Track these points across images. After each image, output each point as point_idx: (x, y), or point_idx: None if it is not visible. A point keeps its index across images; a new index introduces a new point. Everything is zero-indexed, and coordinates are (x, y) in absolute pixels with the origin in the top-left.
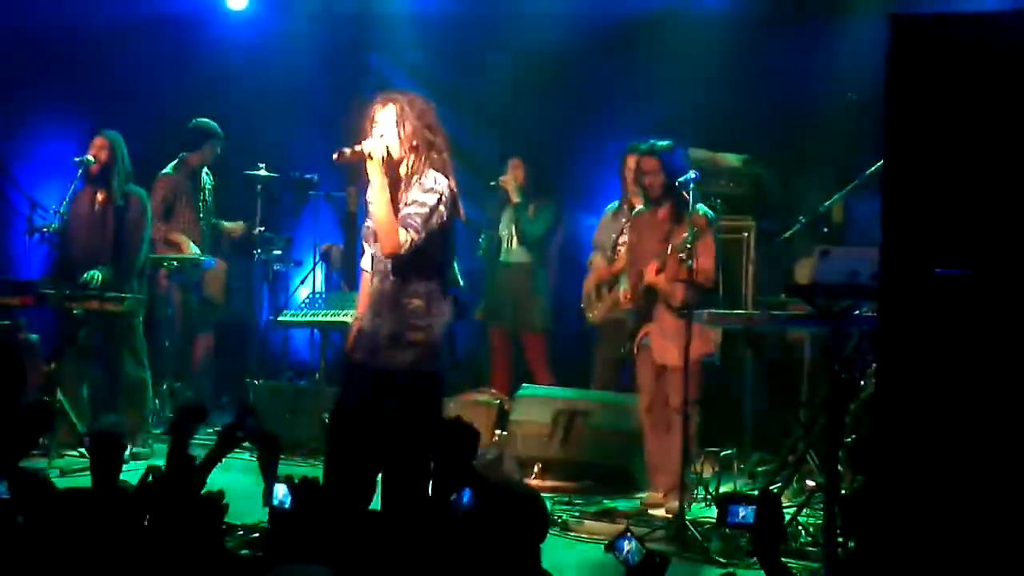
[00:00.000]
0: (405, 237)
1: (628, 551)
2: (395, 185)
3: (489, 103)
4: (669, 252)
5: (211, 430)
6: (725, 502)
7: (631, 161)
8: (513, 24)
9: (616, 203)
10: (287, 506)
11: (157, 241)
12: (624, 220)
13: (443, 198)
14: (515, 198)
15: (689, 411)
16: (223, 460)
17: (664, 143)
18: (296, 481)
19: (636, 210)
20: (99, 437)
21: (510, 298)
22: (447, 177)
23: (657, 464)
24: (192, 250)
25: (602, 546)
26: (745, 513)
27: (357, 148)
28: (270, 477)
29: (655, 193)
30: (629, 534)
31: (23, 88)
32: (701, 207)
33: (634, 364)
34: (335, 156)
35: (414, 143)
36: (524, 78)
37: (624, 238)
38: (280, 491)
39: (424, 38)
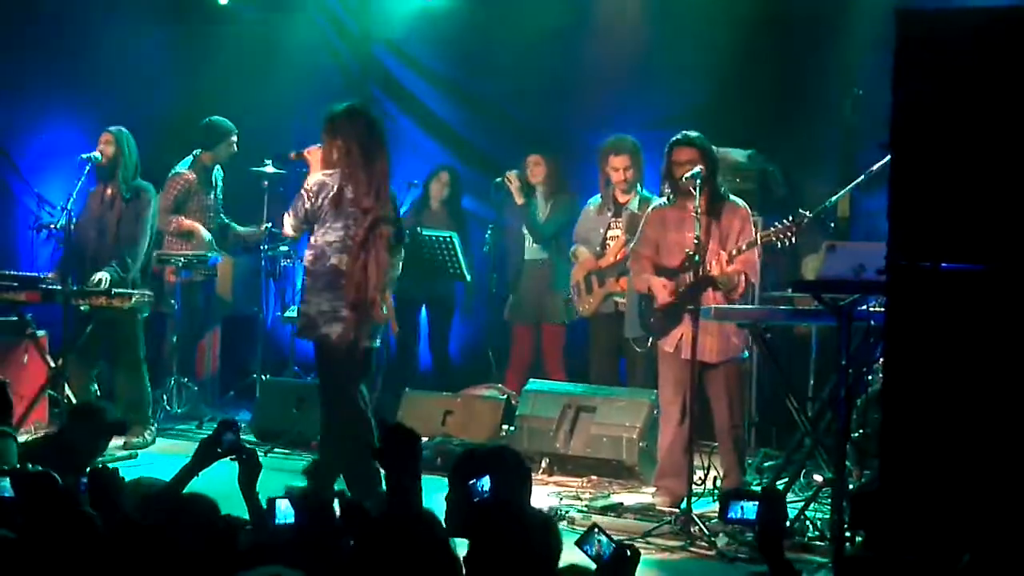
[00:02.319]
0: (284, 223)
1: (599, 547)
2: None
3: (495, 98)
4: (746, 246)
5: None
6: (727, 498)
7: (616, 161)
8: (517, 19)
9: (598, 197)
10: (290, 522)
11: (170, 234)
12: (609, 214)
13: (308, 190)
14: (518, 198)
15: (734, 411)
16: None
17: (698, 134)
18: (298, 495)
19: (655, 203)
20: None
21: (533, 294)
22: (334, 176)
23: (670, 467)
24: (205, 236)
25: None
26: (746, 509)
27: (300, 152)
28: (250, 495)
29: (691, 183)
30: (597, 529)
31: (29, 81)
32: (739, 201)
33: (657, 360)
34: (290, 156)
35: (344, 152)
36: (529, 73)
37: (613, 232)
38: (283, 505)
39: (431, 33)
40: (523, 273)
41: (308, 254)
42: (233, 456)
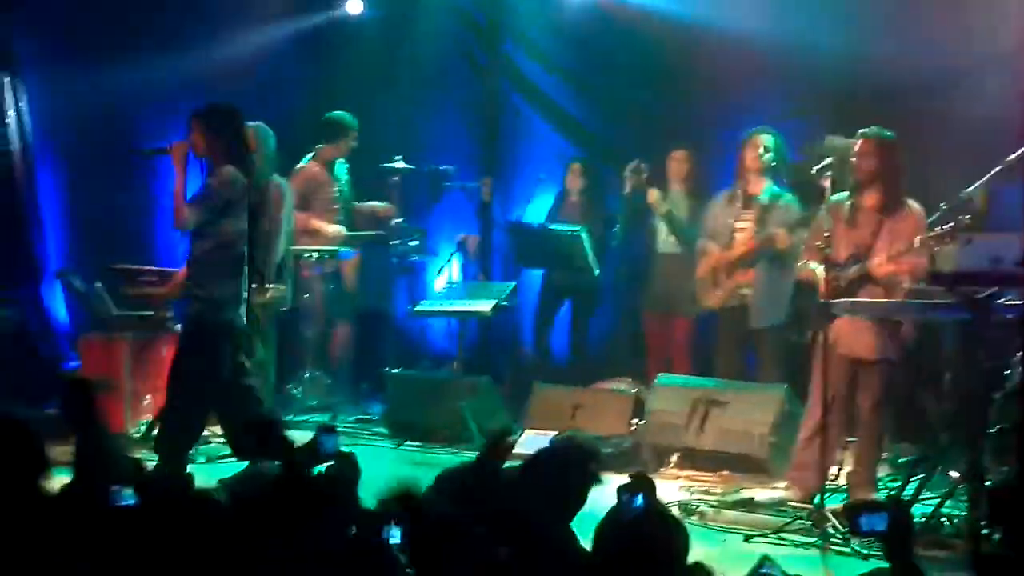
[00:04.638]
0: (187, 215)
1: None
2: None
3: (624, 91)
4: (904, 248)
5: (352, 419)
6: (855, 512)
7: (757, 140)
8: (645, 12)
9: (729, 189)
10: (397, 541)
11: (297, 231)
12: (738, 206)
13: (222, 183)
14: (651, 197)
15: (880, 411)
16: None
17: (886, 133)
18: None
19: (833, 197)
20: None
21: (665, 287)
22: (241, 171)
23: (806, 461)
24: (331, 231)
25: (742, 536)
26: (876, 522)
27: (159, 147)
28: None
29: (863, 177)
30: (767, 563)
31: (160, 83)
32: (916, 205)
33: (810, 356)
34: (143, 151)
35: (213, 146)
36: (658, 66)
37: (741, 224)
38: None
39: (560, 27)
40: (655, 265)
41: (206, 244)
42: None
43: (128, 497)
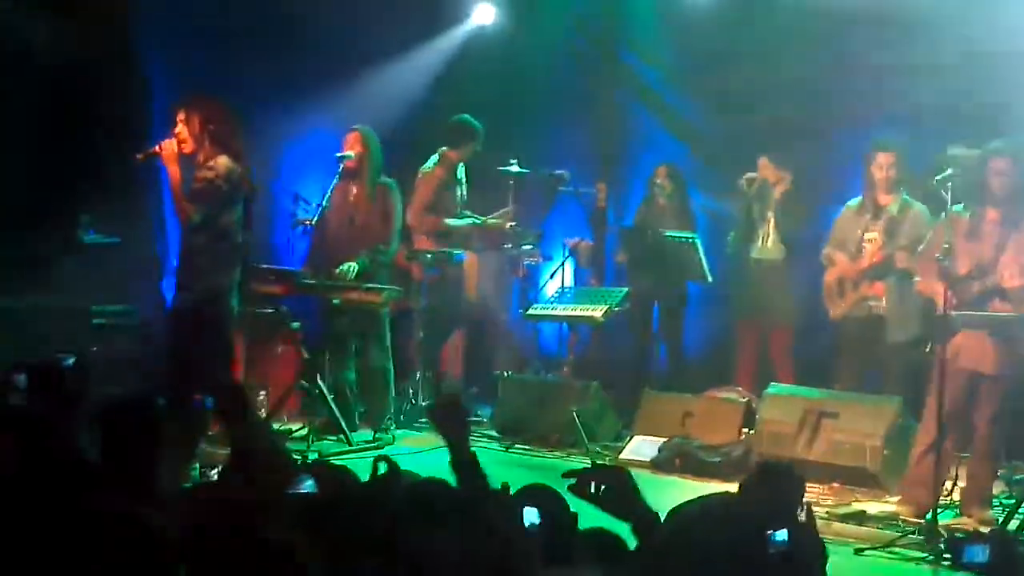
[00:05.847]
0: (191, 211)
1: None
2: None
3: (741, 96)
4: None
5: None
6: (958, 542)
7: (882, 158)
8: (759, 23)
9: (859, 199)
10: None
11: (425, 233)
12: (868, 217)
13: (220, 175)
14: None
15: (998, 427)
16: None
17: (1015, 144)
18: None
19: (952, 208)
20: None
21: (764, 294)
22: (235, 160)
23: (920, 477)
24: (460, 224)
25: (852, 549)
26: (977, 553)
27: (150, 150)
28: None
29: (1000, 194)
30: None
31: (296, 89)
32: None
33: (930, 369)
34: (137, 157)
35: (199, 137)
36: (776, 70)
37: (869, 235)
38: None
39: (674, 35)
40: (751, 272)
41: (204, 236)
42: None
43: (309, 486)
